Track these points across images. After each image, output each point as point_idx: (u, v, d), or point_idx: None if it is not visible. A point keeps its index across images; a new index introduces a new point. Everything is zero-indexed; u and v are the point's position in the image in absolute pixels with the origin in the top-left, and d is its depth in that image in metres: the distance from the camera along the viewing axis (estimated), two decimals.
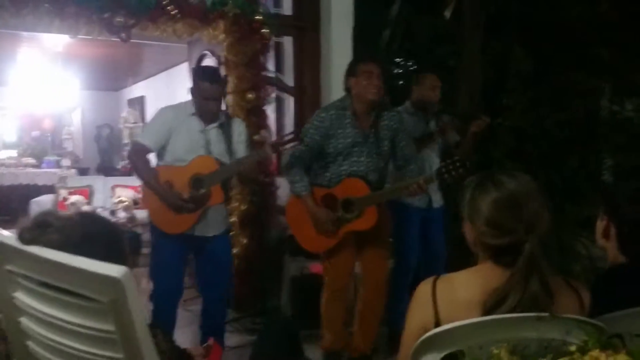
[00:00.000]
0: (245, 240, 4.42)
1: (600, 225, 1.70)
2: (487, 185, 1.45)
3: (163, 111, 3.34)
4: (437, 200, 4.06)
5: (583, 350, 1.13)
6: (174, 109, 3.31)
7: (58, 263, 1.22)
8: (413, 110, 4.00)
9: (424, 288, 1.48)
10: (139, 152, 3.24)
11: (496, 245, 1.42)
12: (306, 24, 4.97)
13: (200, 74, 3.31)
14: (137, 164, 3.26)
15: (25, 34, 6.16)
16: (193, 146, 3.22)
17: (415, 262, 4.00)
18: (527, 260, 1.36)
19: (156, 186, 3.16)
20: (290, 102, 5.07)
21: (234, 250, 4.42)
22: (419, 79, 4.03)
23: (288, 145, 3.20)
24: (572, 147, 5.40)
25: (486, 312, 1.37)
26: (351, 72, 3.32)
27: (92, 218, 1.42)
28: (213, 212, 3.30)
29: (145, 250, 5.94)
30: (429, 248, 4.08)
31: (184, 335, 3.77)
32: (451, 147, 4.02)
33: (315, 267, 3.97)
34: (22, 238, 1.27)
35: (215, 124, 3.29)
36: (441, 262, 4.08)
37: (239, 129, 3.38)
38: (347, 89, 3.36)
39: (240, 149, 3.34)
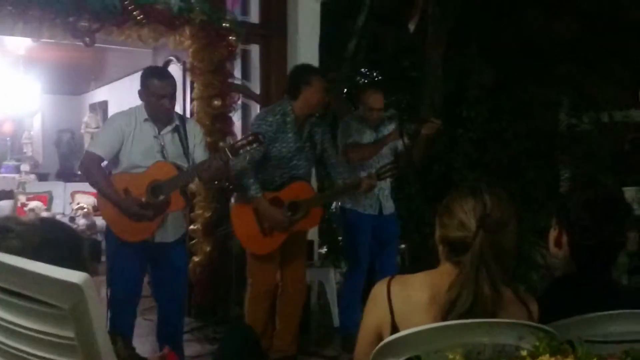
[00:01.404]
0: (207, 248, 4.41)
1: (552, 234, 1.76)
2: (466, 191, 1.52)
3: (114, 118, 3.30)
4: (389, 207, 4.16)
5: (534, 355, 1.17)
6: (125, 115, 3.25)
7: (18, 268, 1.21)
8: (361, 119, 4.08)
9: (379, 288, 1.52)
10: (92, 161, 3.16)
11: (453, 238, 1.47)
12: (273, 32, 5.00)
13: (149, 73, 3.27)
14: (91, 173, 3.17)
15: None
16: (148, 152, 3.17)
17: (366, 268, 4.10)
18: (474, 255, 1.40)
19: (112, 195, 3.10)
20: (256, 109, 5.08)
21: (196, 258, 4.40)
22: (361, 96, 4.11)
23: (246, 148, 3.16)
24: (530, 158, 5.54)
25: (443, 312, 1.40)
26: (305, 81, 3.44)
27: (52, 224, 1.42)
28: (172, 217, 3.28)
29: (105, 258, 5.87)
30: (382, 254, 4.15)
31: (143, 345, 3.73)
32: (402, 151, 4.08)
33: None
34: None
35: (169, 128, 3.24)
36: (393, 267, 4.18)
37: (194, 130, 3.35)
38: (293, 94, 3.47)
39: (198, 151, 3.31)
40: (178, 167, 3.20)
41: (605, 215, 1.65)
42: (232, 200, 3.66)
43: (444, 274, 1.49)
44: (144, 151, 3.17)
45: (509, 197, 1.54)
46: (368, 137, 4.05)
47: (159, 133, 3.21)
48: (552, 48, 5.50)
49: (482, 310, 1.38)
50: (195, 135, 3.34)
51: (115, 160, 3.20)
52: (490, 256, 1.41)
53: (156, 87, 3.16)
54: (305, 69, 3.65)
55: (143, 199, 3.11)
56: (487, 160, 5.43)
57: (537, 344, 1.21)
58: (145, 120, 3.21)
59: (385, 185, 4.08)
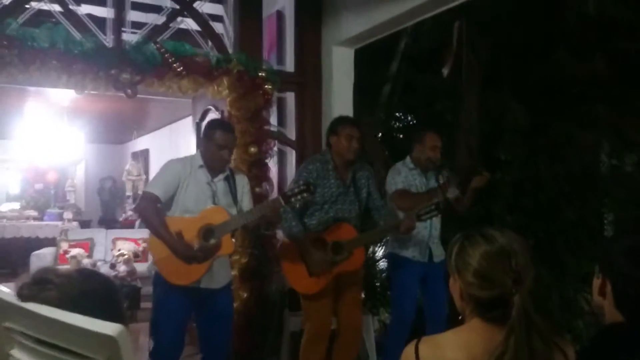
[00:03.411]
0: (245, 294, 4.39)
1: (596, 282, 1.69)
2: (476, 238, 1.46)
3: (171, 163, 3.41)
4: (439, 254, 4.06)
5: None
6: (181, 162, 3.39)
7: (55, 320, 1.22)
8: (412, 166, 4.07)
9: (407, 351, 1.47)
10: (149, 201, 3.25)
11: (484, 297, 1.42)
12: (308, 80, 5.08)
13: (215, 124, 3.48)
14: (147, 213, 3.28)
15: (32, 88, 6.28)
16: (201, 197, 3.29)
17: (412, 317, 4.02)
18: (519, 313, 1.35)
19: (167, 235, 3.18)
20: (292, 155, 5.13)
21: (234, 305, 4.39)
22: (421, 137, 4.10)
23: (297, 197, 3.24)
24: (571, 200, 5.42)
25: None
26: (333, 130, 3.68)
27: (89, 275, 1.43)
28: (219, 264, 3.33)
29: (145, 305, 5.90)
30: (431, 303, 4.06)
31: None
32: (451, 202, 4.04)
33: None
34: (21, 295, 1.28)
35: (222, 176, 3.38)
36: (443, 318, 4.04)
37: (242, 181, 3.51)
38: (328, 145, 3.71)
39: (245, 200, 3.45)
40: (230, 213, 3.31)
41: None
42: (280, 240, 3.79)
43: (475, 331, 1.43)
44: (197, 196, 3.29)
45: (516, 234, 1.48)
46: (418, 182, 4.05)
47: (212, 180, 3.34)
48: (589, 88, 5.43)
49: None
50: (244, 186, 3.49)
51: (168, 203, 3.30)
52: (532, 308, 1.36)
53: (220, 138, 3.32)
54: (336, 119, 3.84)
55: (195, 242, 3.19)
56: (526, 203, 5.34)
57: None
58: (200, 166, 3.34)
59: (435, 231, 4.05)
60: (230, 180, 3.41)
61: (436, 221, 4.03)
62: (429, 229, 3.99)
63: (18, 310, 1.27)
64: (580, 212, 5.43)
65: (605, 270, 1.66)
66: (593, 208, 5.65)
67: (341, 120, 3.76)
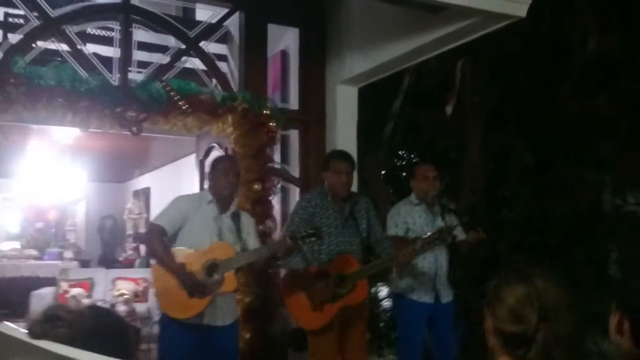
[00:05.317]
0: (248, 335, 4.31)
1: (613, 320, 1.66)
2: (512, 275, 1.49)
3: (178, 199, 3.49)
4: (446, 295, 3.97)
5: None
6: (189, 197, 3.51)
7: (65, 358, 1.19)
8: (417, 201, 4.03)
9: None
10: (155, 232, 3.32)
11: (511, 332, 1.42)
12: (312, 118, 5.10)
13: (217, 157, 3.67)
14: (153, 243, 3.34)
15: (36, 126, 6.29)
16: (206, 233, 3.32)
17: (420, 359, 3.90)
18: (539, 351, 1.35)
19: (172, 265, 3.20)
20: (295, 193, 5.11)
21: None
22: (414, 171, 4.12)
23: (305, 240, 3.25)
24: (577, 239, 5.38)
25: None
26: (324, 166, 3.71)
27: (100, 311, 1.41)
28: (222, 300, 3.31)
29: (144, 346, 5.80)
30: (439, 347, 3.97)
31: None
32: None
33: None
34: (32, 332, 1.25)
35: (228, 213, 3.42)
36: (451, 358, 3.97)
37: (248, 221, 3.55)
38: (323, 178, 3.74)
39: (250, 240, 3.46)
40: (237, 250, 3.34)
41: None
42: (282, 276, 3.78)
43: None
44: (202, 231, 3.33)
45: (557, 278, 1.50)
46: (423, 219, 3.98)
47: (219, 215, 3.39)
48: (591, 126, 5.46)
49: None
50: (248, 225, 3.52)
51: (173, 238, 3.35)
52: (555, 347, 1.35)
53: (223, 164, 3.47)
54: (328, 154, 3.93)
55: (199, 276, 3.20)
56: (533, 242, 5.30)
57: None
58: (209, 202, 3.40)
59: (441, 270, 3.94)
60: (236, 218, 3.45)
61: (442, 260, 3.93)
62: (435, 268, 3.89)
63: (28, 348, 1.24)
64: (587, 250, 5.39)
65: (624, 307, 1.63)
66: (599, 247, 5.61)
67: (332, 155, 3.81)
